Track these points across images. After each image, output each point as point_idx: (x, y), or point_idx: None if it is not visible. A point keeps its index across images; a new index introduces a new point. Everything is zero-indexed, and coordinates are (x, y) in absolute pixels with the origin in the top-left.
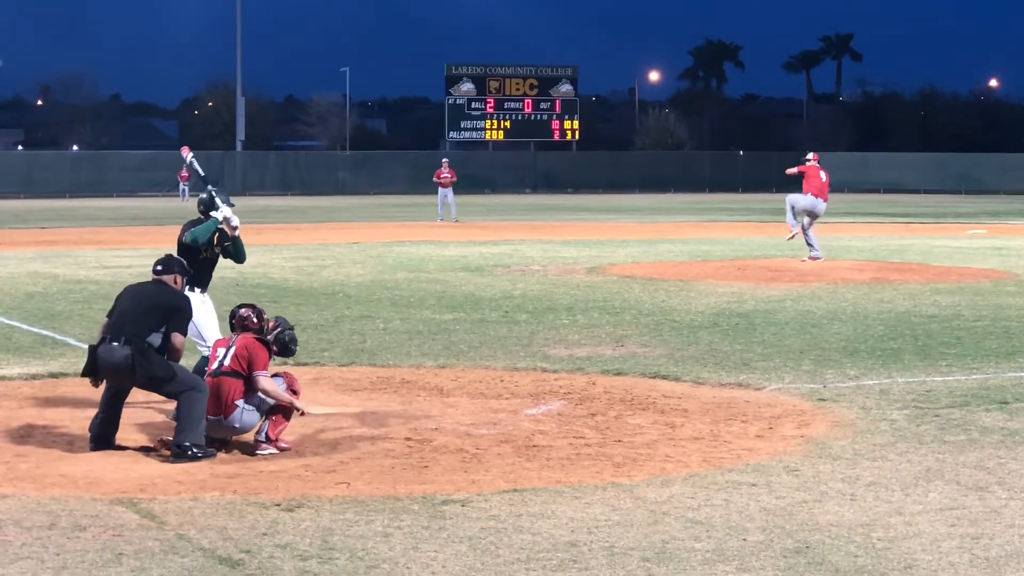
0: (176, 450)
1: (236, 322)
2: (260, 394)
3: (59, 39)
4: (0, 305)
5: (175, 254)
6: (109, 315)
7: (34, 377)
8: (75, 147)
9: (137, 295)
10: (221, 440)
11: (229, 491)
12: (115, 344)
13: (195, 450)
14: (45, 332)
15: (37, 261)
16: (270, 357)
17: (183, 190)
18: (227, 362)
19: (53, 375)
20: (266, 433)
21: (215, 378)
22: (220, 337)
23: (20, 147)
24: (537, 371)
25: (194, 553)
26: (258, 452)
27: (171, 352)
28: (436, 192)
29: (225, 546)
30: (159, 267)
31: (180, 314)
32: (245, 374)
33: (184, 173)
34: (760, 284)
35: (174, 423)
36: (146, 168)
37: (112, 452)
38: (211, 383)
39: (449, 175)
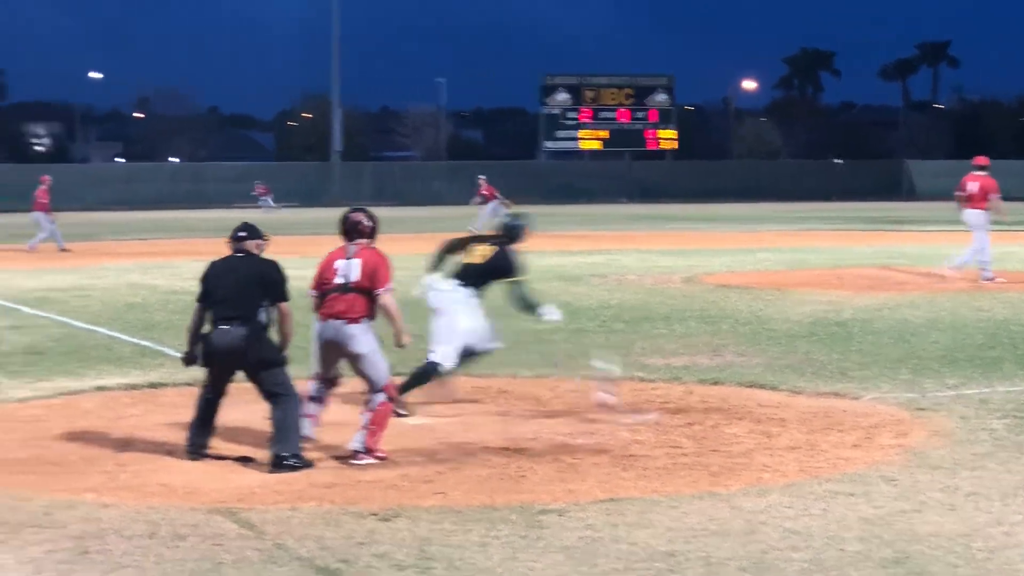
0: (274, 460)
1: (349, 227)
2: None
3: (158, 52)
4: (100, 316)
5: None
6: (201, 299)
7: (134, 387)
8: (173, 159)
9: (232, 274)
10: (333, 378)
11: (327, 501)
12: (227, 327)
13: (292, 460)
14: (144, 343)
15: (136, 272)
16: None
17: (265, 200)
18: (354, 277)
19: (152, 385)
20: (363, 443)
21: (344, 294)
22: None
23: (119, 159)
24: (634, 380)
25: (292, 563)
26: (355, 462)
27: (284, 322)
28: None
29: (323, 556)
30: (242, 233)
31: (277, 284)
32: (372, 290)
33: (260, 188)
34: (857, 293)
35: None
36: (243, 180)
37: (211, 462)
38: (340, 299)
39: (488, 191)
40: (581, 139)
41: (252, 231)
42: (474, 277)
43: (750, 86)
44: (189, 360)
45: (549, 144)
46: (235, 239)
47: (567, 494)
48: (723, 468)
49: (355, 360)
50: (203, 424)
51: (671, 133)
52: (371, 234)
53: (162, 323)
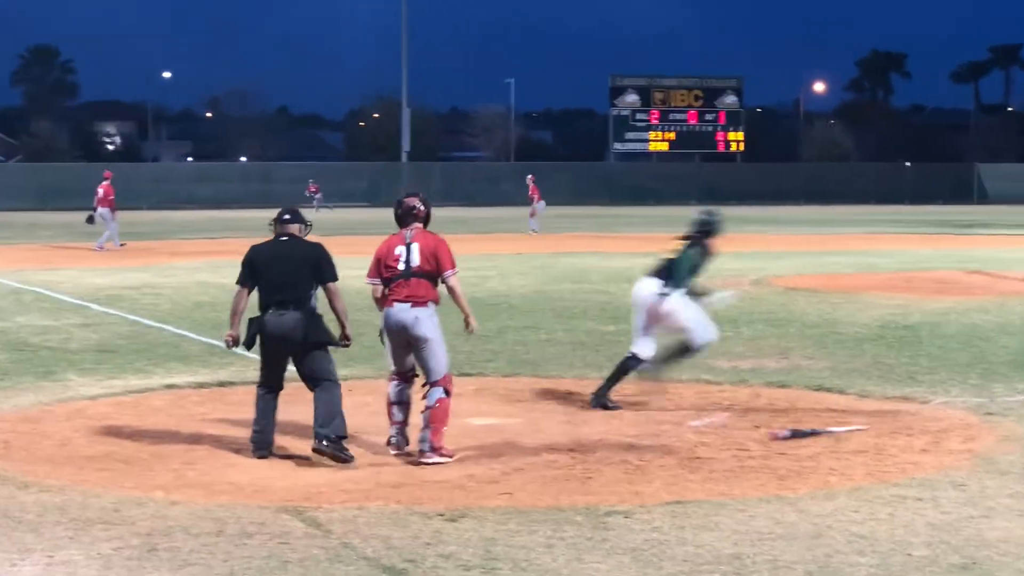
0: (321, 440)
1: (403, 212)
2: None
3: (228, 53)
4: (169, 314)
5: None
6: (242, 282)
7: (202, 386)
8: (243, 159)
9: (281, 259)
10: (409, 372)
11: (393, 500)
12: (282, 312)
13: (334, 447)
14: (213, 341)
15: (205, 271)
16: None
17: (317, 199)
18: (416, 262)
19: (221, 384)
20: (430, 442)
21: (407, 279)
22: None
23: (190, 159)
24: (701, 383)
25: (358, 562)
26: (423, 461)
27: (336, 301)
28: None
29: (389, 555)
30: (287, 216)
31: (327, 263)
32: (435, 273)
33: (313, 187)
34: (926, 296)
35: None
36: (312, 179)
37: (278, 460)
38: (404, 284)
39: (534, 191)
40: (647, 140)
41: (296, 215)
42: (671, 271)
43: (820, 88)
44: (234, 343)
45: (618, 146)
46: (280, 222)
47: (633, 496)
48: (790, 471)
49: (418, 345)
50: (265, 420)
51: (739, 135)
52: (425, 218)
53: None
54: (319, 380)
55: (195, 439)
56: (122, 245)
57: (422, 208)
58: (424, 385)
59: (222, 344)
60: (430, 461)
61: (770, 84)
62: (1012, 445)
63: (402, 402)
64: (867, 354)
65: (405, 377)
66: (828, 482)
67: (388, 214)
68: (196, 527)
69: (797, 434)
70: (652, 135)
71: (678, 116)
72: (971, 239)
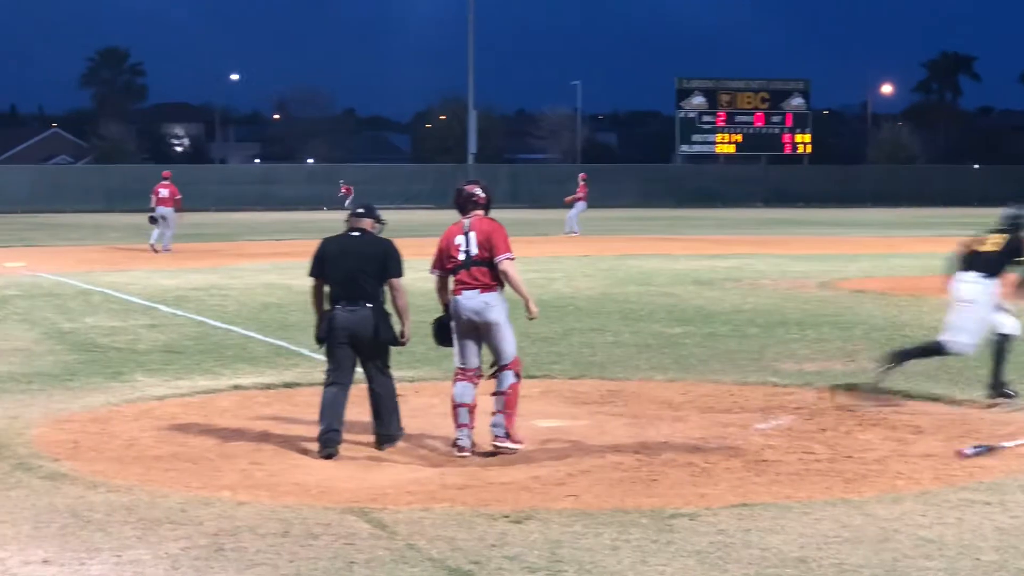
0: (382, 438)
1: (463, 200)
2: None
3: (295, 55)
4: (236, 316)
5: None
6: (315, 274)
7: (269, 387)
8: (310, 160)
9: (352, 254)
10: (476, 370)
11: (459, 502)
12: (353, 307)
13: (393, 442)
14: (280, 343)
15: (272, 272)
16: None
17: (349, 201)
18: (474, 250)
19: (287, 385)
20: (504, 428)
21: (469, 268)
22: None
23: (257, 160)
24: (767, 385)
25: (423, 563)
26: (497, 445)
27: (400, 297)
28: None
29: (454, 557)
30: (361, 210)
31: (394, 259)
32: (491, 260)
33: (345, 188)
34: None
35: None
36: (379, 181)
37: (344, 461)
38: (467, 273)
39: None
40: (713, 143)
41: (370, 210)
42: (992, 264)
43: (887, 90)
44: (320, 338)
45: (685, 148)
46: (355, 216)
47: (699, 498)
48: (856, 475)
49: (488, 330)
50: (333, 418)
51: (806, 137)
52: (486, 205)
53: (297, 323)
54: (379, 377)
55: (261, 439)
56: (167, 250)
57: (482, 195)
58: (492, 366)
59: (289, 345)
60: (503, 445)
61: (837, 86)
62: None
63: (468, 404)
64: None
65: (470, 376)
66: (895, 486)
67: (456, 216)
68: (262, 527)
69: (980, 450)
70: (718, 137)
71: (744, 118)
72: None
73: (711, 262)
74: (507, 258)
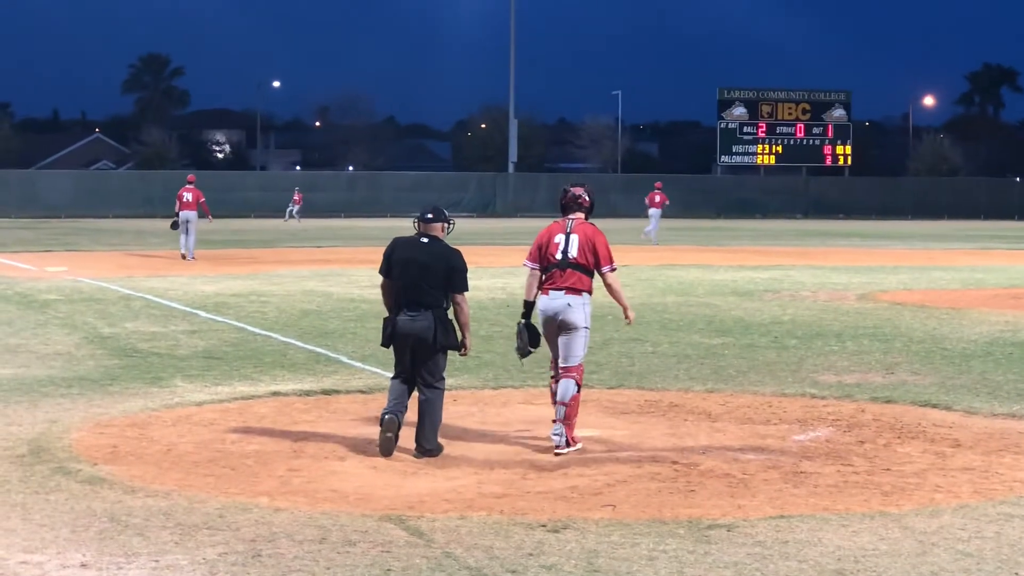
0: (421, 450)
1: (568, 200)
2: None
3: (337, 62)
4: (276, 322)
5: None
6: (385, 274)
7: (308, 393)
8: (351, 168)
9: (419, 261)
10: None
11: (496, 511)
12: (415, 314)
13: (433, 452)
14: (319, 349)
15: (312, 279)
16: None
17: (290, 211)
18: (573, 253)
19: (326, 392)
20: (566, 437)
21: (564, 270)
22: None
23: (298, 167)
24: (806, 397)
25: (460, 572)
26: (559, 453)
27: (462, 312)
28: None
29: (491, 565)
30: (430, 215)
31: (459, 273)
32: (591, 267)
33: (297, 196)
34: None
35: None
36: (419, 189)
37: (382, 469)
38: (561, 274)
39: (660, 198)
40: (755, 154)
41: (439, 214)
42: None
43: (929, 102)
44: (385, 342)
45: (725, 159)
46: (423, 221)
47: (736, 509)
48: (895, 487)
49: (566, 330)
50: (397, 403)
51: (847, 149)
52: (590, 208)
53: (337, 330)
54: (430, 385)
55: (300, 446)
56: (183, 256)
57: (587, 198)
58: (553, 366)
59: (328, 352)
60: (564, 452)
61: (879, 97)
62: None
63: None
64: (974, 370)
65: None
66: (934, 499)
67: (492, 224)
68: (300, 534)
69: None
70: (759, 148)
71: (786, 129)
72: None
73: (750, 273)
74: (611, 269)
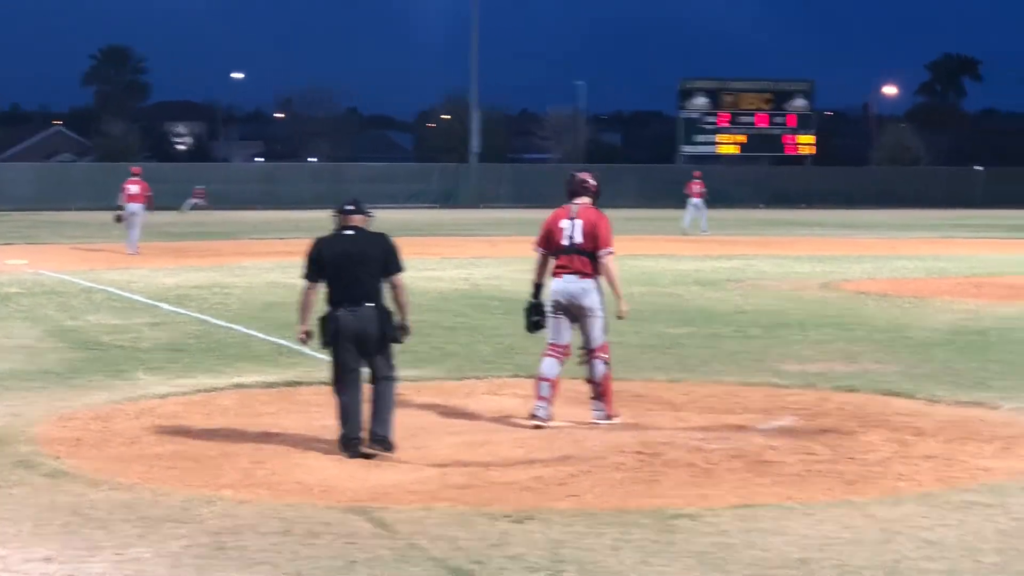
0: (375, 438)
1: (575, 186)
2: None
3: (300, 54)
4: (239, 314)
5: None
6: (312, 278)
7: (271, 385)
8: (313, 159)
9: (351, 254)
10: (566, 346)
11: (460, 502)
12: (356, 308)
13: (388, 444)
14: (282, 341)
15: (275, 271)
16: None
17: (189, 203)
18: (578, 238)
19: (290, 384)
20: (605, 412)
21: (571, 255)
22: None
23: (260, 159)
24: (769, 386)
25: (425, 563)
26: (599, 424)
27: (401, 293)
28: (683, 204)
29: (456, 556)
30: (351, 207)
31: (395, 253)
32: (593, 251)
33: (198, 191)
34: (997, 301)
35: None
36: (382, 180)
37: (346, 460)
38: (569, 259)
39: (699, 186)
40: (719, 143)
41: (359, 205)
42: None
43: (891, 92)
44: (307, 337)
45: (687, 148)
46: (345, 212)
47: (700, 499)
48: (858, 476)
49: (583, 314)
50: (353, 424)
51: (809, 138)
52: (596, 193)
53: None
54: (382, 377)
55: (263, 438)
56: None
57: (593, 183)
58: (581, 350)
59: (291, 344)
60: (605, 423)
61: (840, 87)
62: None
63: (551, 379)
64: (937, 359)
65: (559, 353)
66: (897, 487)
67: (458, 215)
68: (264, 526)
69: None
70: (722, 138)
71: (748, 119)
72: None
73: (714, 263)
74: (609, 252)
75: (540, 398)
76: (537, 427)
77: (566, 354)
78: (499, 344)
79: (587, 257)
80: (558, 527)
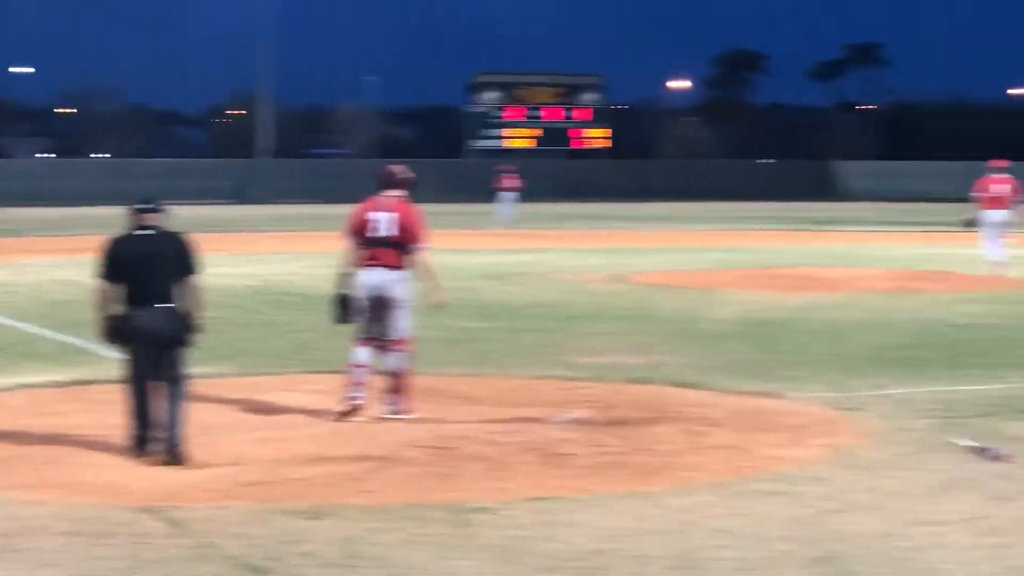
0: (174, 451)
1: (386, 178)
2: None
3: (88, 49)
4: (25, 312)
5: None
6: (106, 278)
7: (60, 384)
8: (101, 155)
9: (147, 253)
10: (378, 337)
11: (255, 499)
12: (150, 308)
13: (179, 448)
14: (71, 339)
15: (62, 268)
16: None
17: None
18: (392, 231)
19: (79, 382)
20: (400, 406)
21: (379, 248)
22: None
23: (46, 155)
24: (563, 380)
25: (219, 561)
26: (392, 418)
27: (196, 292)
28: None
29: (250, 554)
30: (149, 205)
31: (193, 253)
32: (407, 244)
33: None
34: (786, 292)
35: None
36: (172, 176)
37: (141, 460)
38: (380, 251)
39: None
40: (511, 137)
41: (155, 203)
42: None
43: (679, 86)
44: (114, 339)
45: (476, 143)
46: (143, 211)
47: (496, 492)
48: (652, 467)
49: (390, 306)
50: (141, 418)
51: (602, 132)
52: (407, 187)
53: (88, 320)
54: (175, 378)
55: (54, 438)
56: None
57: (405, 176)
58: (363, 339)
59: (81, 342)
60: (401, 417)
61: (634, 81)
62: (869, 440)
63: (366, 366)
64: (728, 350)
65: (371, 342)
66: (690, 478)
67: (249, 211)
68: (54, 527)
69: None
70: (514, 132)
71: (540, 113)
72: (830, 235)
73: (509, 257)
74: (423, 247)
75: (355, 384)
76: (352, 411)
77: (377, 345)
78: (294, 340)
79: (398, 249)
80: (353, 523)
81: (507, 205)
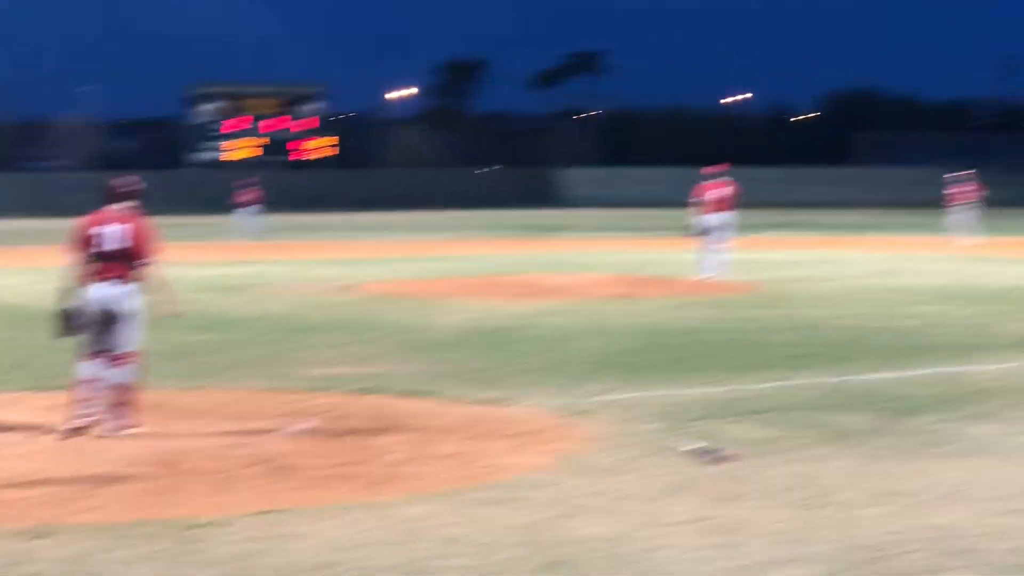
0: None
1: (113, 190)
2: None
3: None
4: None
5: None
6: None
7: None
8: None
9: None
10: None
11: None
12: None
13: None
14: None
15: None
16: None
17: None
18: (120, 243)
19: None
20: (126, 420)
21: (106, 262)
22: None
23: None
24: (290, 391)
25: None
26: (119, 434)
27: None
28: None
29: None
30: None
31: None
32: (135, 257)
33: None
34: (509, 300)
35: None
36: None
37: None
38: (109, 265)
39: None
40: (232, 149)
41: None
42: None
43: (404, 94)
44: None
45: (196, 154)
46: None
47: (222, 507)
48: (380, 477)
49: (117, 319)
50: None
51: (326, 141)
52: (134, 198)
53: None
54: None
55: None
56: None
57: (131, 188)
58: (90, 353)
59: None
60: (123, 433)
61: (355, 92)
62: (595, 444)
63: (93, 381)
64: (454, 358)
65: (98, 356)
66: (417, 487)
67: None
68: None
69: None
70: (237, 143)
71: (261, 124)
72: (553, 242)
73: (232, 269)
74: (151, 261)
75: (83, 400)
76: (84, 427)
77: (105, 359)
78: (12, 357)
79: (126, 262)
80: (79, 541)
81: (249, 218)
